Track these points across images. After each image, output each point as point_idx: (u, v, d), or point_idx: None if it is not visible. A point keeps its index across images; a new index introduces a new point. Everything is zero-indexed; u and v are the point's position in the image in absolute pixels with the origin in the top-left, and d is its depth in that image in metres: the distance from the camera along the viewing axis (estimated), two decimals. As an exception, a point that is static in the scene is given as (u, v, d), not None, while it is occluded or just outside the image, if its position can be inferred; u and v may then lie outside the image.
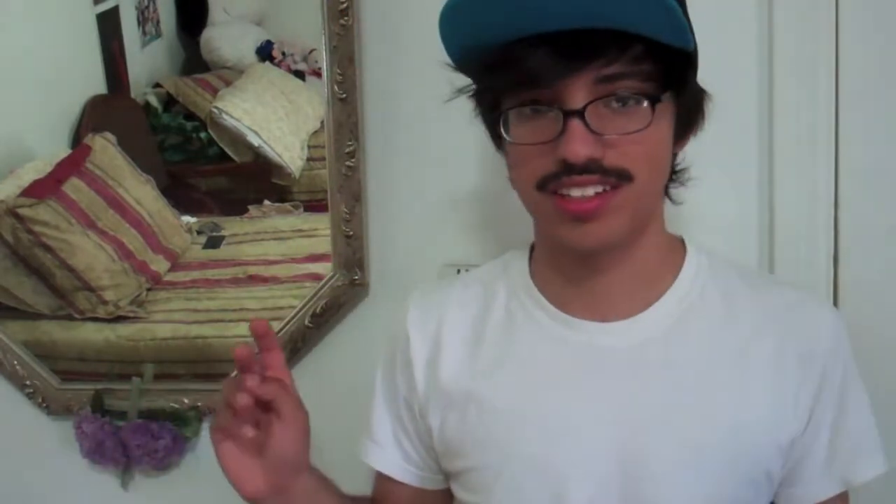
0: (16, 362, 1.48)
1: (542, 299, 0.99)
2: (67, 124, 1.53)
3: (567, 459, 0.94)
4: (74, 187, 1.49)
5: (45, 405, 1.48)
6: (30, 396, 1.48)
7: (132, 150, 1.55)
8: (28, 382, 1.48)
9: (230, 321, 1.49)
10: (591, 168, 0.85)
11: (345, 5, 1.26)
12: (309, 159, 1.57)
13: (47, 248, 1.47)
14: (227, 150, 1.59)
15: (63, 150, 1.53)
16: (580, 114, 0.84)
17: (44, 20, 1.53)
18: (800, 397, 0.95)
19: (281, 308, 1.46)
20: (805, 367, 0.95)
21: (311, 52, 1.56)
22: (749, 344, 0.95)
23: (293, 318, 1.40)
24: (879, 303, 1.25)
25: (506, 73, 0.86)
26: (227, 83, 1.60)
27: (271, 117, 1.59)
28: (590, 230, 0.89)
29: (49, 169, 1.50)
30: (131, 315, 1.50)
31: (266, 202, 1.58)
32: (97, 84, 1.56)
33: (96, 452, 1.45)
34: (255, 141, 1.58)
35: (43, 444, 1.51)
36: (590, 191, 0.87)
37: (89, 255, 1.48)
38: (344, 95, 1.30)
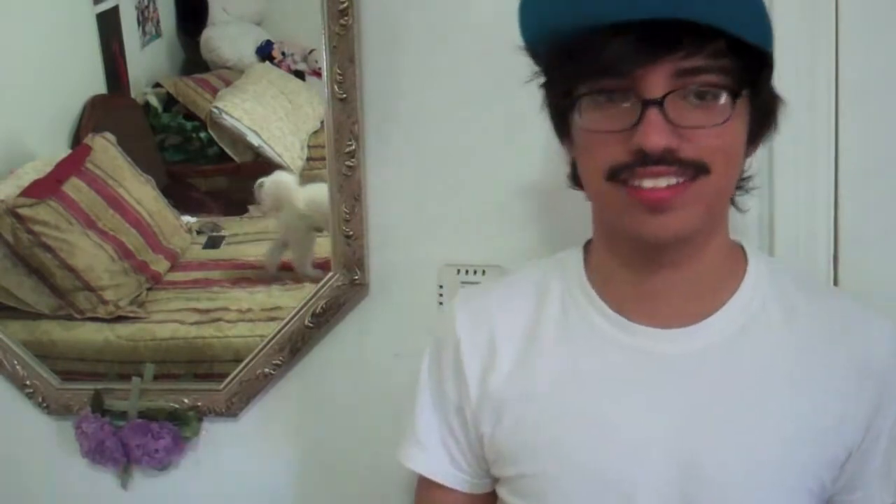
0: (16, 362, 1.48)
1: (598, 300, 0.96)
2: (67, 124, 1.53)
3: (624, 468, 0.92)
4: (74, 187, 1.49)
5: (45, 405, 1.48)
6: (30, 396, 1.48)
7: (132, 150, 1.56)
8: (28, 382, 1.48)
9: (230, 321, 1.49)
10: (667, 159, 0.83)
11: (345, 5, 1.26)
12: (309, 159, 1.57)
13: (47, 248, 1.47)
14: (227, 150, 1.59)
15: (63, 150, 1.53)
16: (659, 103, 0.83)
17: (44, 20, 1.53)
18: (858, 410, 0.94)
19: (281, 308, 1.46)
20: (864, 379, 0.93)
21: (311, 52, 1.56)
22: (808, 356, 0.94)
23: (293, 318, 1.40)
24: (879, 303, 1.24)
25: (585, 60, 0.84)
26: (227, 83, 1.60)
27: (271, 117, 1.59)
28: (665, 221, 0.86)
29: (49, 169, 1.50)
30: (131, 315, 1.50)
31: (266, 202, 1.58)
32: (97, 84, 1.56)
33: (96, 452, 1.45)
34: (254, 141, 1.58)
35: (43, 444, 1.50)
36: (662, 182, 0.84)
37: (89, 255, 1.48)
38: (344, 95, 1.30)
